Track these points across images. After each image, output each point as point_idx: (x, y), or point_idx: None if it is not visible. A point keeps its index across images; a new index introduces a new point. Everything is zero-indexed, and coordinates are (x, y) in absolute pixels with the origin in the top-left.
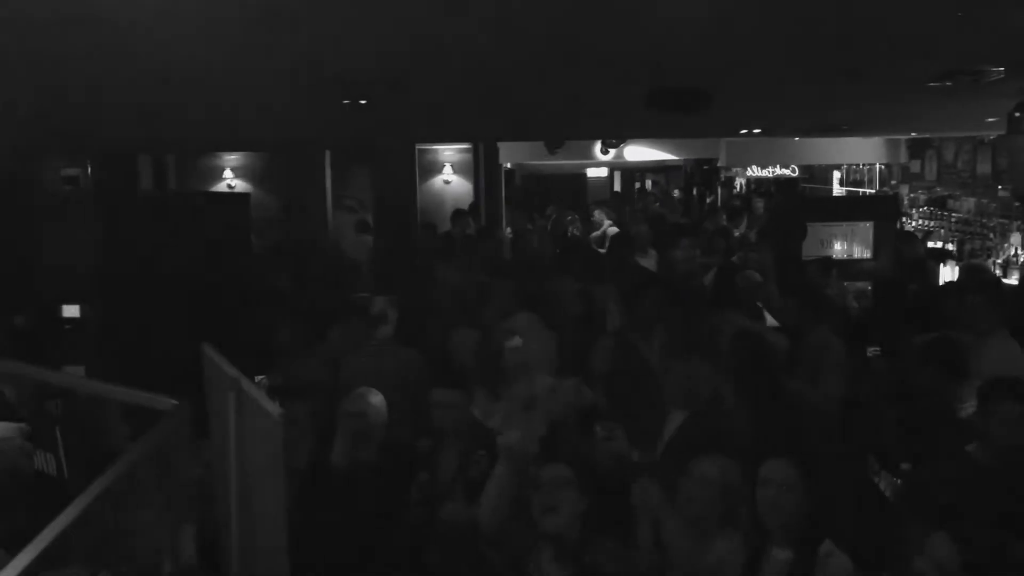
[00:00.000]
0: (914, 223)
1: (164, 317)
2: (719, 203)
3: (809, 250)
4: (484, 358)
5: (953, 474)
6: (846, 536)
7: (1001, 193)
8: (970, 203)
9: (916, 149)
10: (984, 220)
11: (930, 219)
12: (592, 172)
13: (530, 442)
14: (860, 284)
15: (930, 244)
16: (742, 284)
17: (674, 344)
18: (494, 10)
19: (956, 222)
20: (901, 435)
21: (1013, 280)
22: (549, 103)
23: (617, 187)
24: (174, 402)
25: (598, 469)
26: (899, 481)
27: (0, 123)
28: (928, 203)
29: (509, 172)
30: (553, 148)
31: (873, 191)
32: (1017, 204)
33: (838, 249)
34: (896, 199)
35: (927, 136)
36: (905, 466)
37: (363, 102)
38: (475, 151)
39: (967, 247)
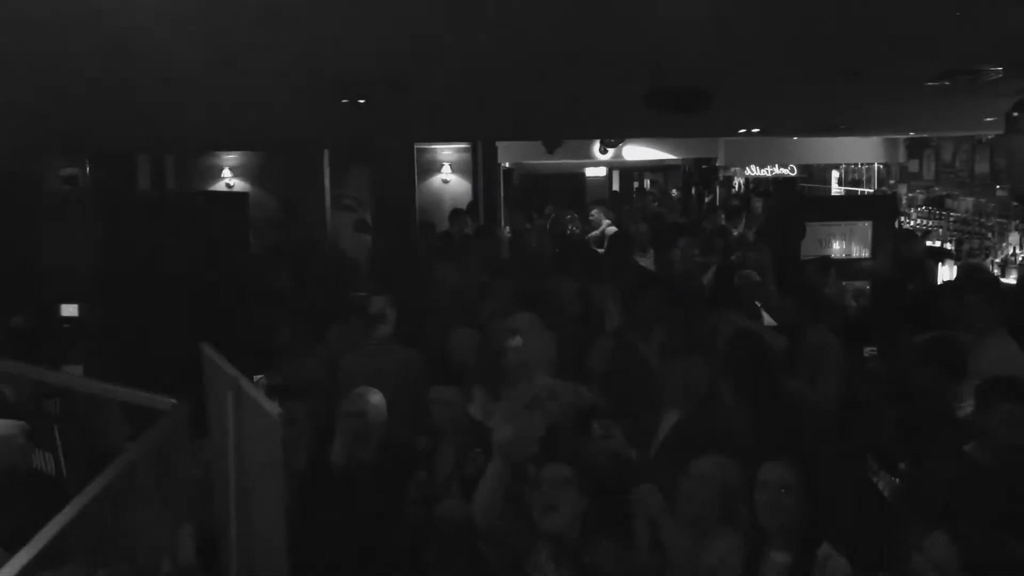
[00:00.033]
0: (912, 222)
1: (163, 316)
2: (717, 202)
3: (807, 249)
4: (485, 357)
5: (951, 474)
6: (845, 537)
7: (999, 192)
8: (968, 203)
9: (914, 149)
10: (982, 220)
11: (928, 219)
12: (591, 172)
13: (529, 442)
14: (858, 283)
15: (928, 243)
16: (740, 283)
17: (669, 343)
18: (493, 10)
19: (954, 222)
20: (900, 435)
21: (1011, 279)
22: (548, 103)
23: (616, 187)
24: (173, 401)
25: (596, 468)
26: (897, 481)
27: None
28: (926, 202)
29: (507, 172)
30: (551, 148)
31: (871, 191)
32: (1015, 203)
33: (836, 248)
34: (894, 198)
35: (925, 136)
36: (903, 466)
37: (362, 101)
38: (474, 151)
39: (965, 246)
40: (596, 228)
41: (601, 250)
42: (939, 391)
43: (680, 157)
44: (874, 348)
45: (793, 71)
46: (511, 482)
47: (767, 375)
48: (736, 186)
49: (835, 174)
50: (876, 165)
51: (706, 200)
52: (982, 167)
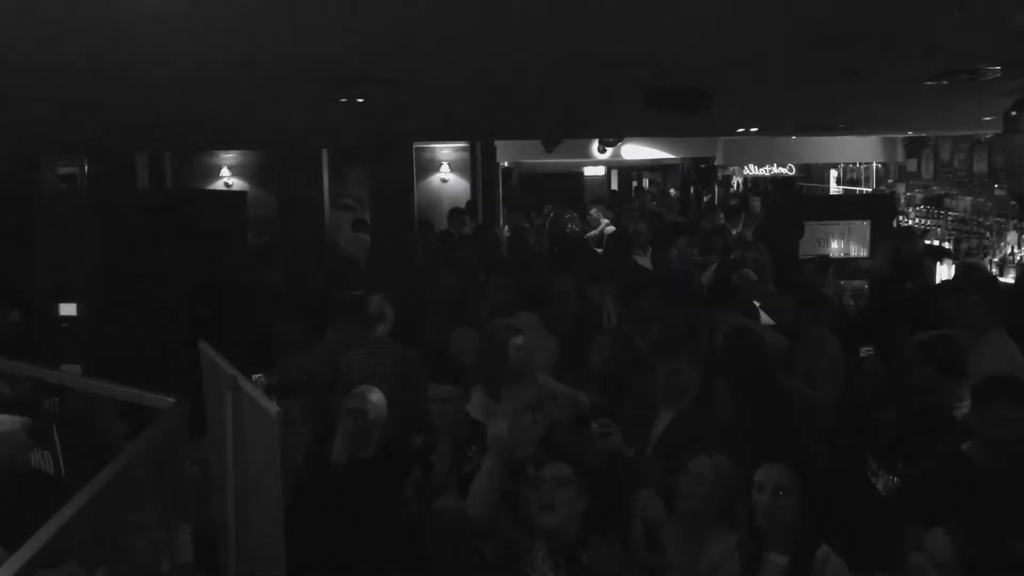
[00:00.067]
0: (911, 222)
1: (161, 315)
2: (716, 202)
3: (806, 248)
4: (487, 356)
5: (948, 473)
6: (843, 539)
7: (997, 192)
8: (966, 202)
9: (913, 148)
10: (980, 219)
11: (926, 218)
12: (589, 171)
13: (525, 440)
14: (857, 283)
15: (927, 243)
16: (738, 283)
17: (663, 342)
18: (492, 9)
19: (952, 221)
20: (898, 435)
21: (1010, 279)
22: (547, 102)
23: (614, 186)
24: (171, 400)
25: (594, 467)
26: (895, 480)
27: None
28: (925, 202)
29: (506, 171)
30: (549, 147)
31: (870, 190)
32: (1013, 203)
33: (835, 248)
34: (893, 198)
35: (924, 135)
36: (901, 465)
37: (360, 100)
38: (472, 150)
39: (963, 246)
40: (595, 227)
41: (600, 250)
42: (938, 391)
43: (679, 156)
44: (871, 348)
45: (792, 71)
46: (507, 479)
47: (764, 374)
48: (735, 185)
49: (833, 173)
50: (874, 164)
51: (705, 199)
52: (980, 166)
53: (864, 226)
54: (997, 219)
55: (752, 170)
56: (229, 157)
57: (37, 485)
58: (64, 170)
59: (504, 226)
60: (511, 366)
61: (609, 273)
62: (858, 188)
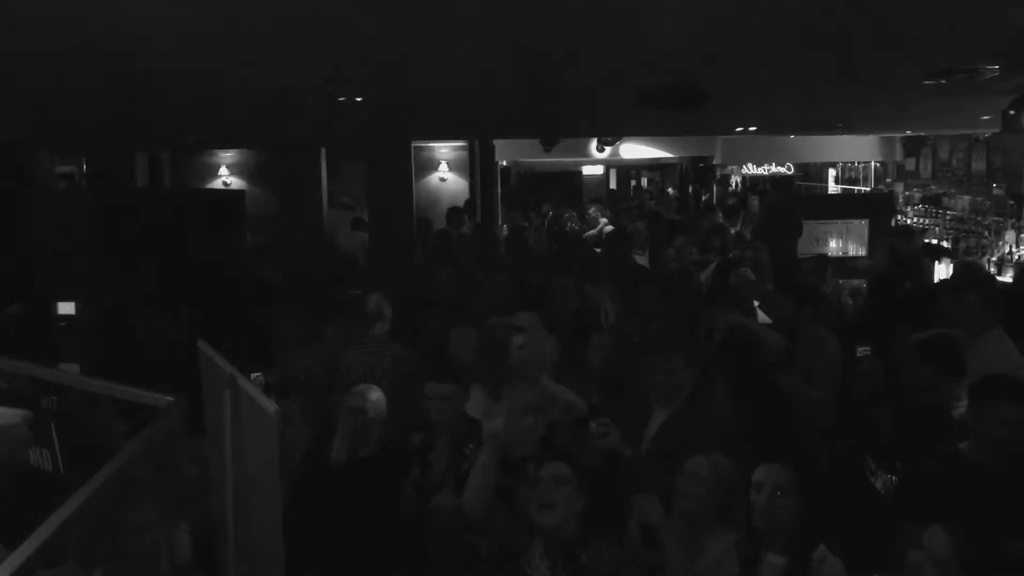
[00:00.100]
0: (909, 221)
1: (160, 314)
2: (714, 201)
3: (804, 247)
4: (488, 354)
5: (945, 472)
6: (840, 539)
7: (996, 191)
8: (965, 201)
9: (911, 147)
10: (979, 218)
11: (925, 217)
12: (588, 170)
13: (522, 438)
14: (855, 282)
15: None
16: (735, 281)
17: (654, 340)
18: (491, 8)
19: (951, 220)
20: (897, 434)
21: (1007, 278)
22: (546, 101)
23: (613, 185)
24: (170, 399)
25: (593, 467)
26: (893, 479)
27: None
28: (923, 201)
29: (505, 170)
30: (548, 146)
31: (868, 189)
32: (1011, 202)
33: (833, 247)
34: (891, 197)
35: (922, 134)
36: (900, 465)
37: (358, 99)
38: (471, 149)
39: (962, 245)
40: (593, 226)
41: (599, 249)
42: (936, 390)
43: (677, 155)
44: (867, 348)
45: (790, 70)
46: (502, 475)
47: (762, 373)
48: (733, 184)
49: (832, 172)
50: (873, 163)
51: (703, 198)
52: (979, 165)
53: (862, 225)
54: (995, 218)
55: (750, 169)
56: (227, 156)
57: (36, 483)
58: (62, 169)
59: (503, 225)
60: (512, 365)
61: (608, 272)
62: (856, 187)
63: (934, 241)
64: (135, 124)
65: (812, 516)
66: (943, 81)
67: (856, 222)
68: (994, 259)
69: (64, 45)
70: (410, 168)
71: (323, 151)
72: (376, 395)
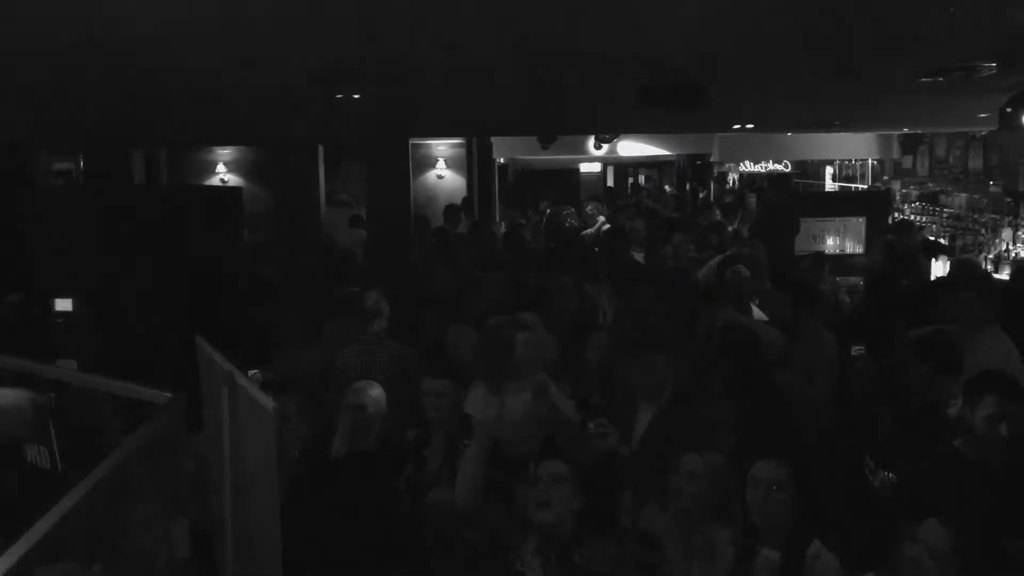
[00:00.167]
0: (906, 218)
1: (157, 311)
2: (712, 198)
3: (802, 245)
4: (492, 351)
5: (940, 469)
6: (836, 535)
7: (992, 189)
8: (961, 199)
9: (908, 145)
10: (975, 216)
11: (922, 214)
12: (585, 167)
13: (530, 441)
14: (852, 279)
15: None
16: (731, 279)
17: (640, 337)
18: (489, 6)
19: (948, 218)
20: (895, 432)
21: (1004, 275)
22: (544, 98)
23: (610, 182)
24: (168, 395)
25: (590, 467)
26: (891, 476)
27: None
28: (920, 199)
29: (502, 167)
30: (545, 144)
31: (865, 187)
32: (1008, 199)
33: (830, 244)
34: (888, 194)
35: (919, 132)
36: (898, 463)
37: (356, 96)
38: (468, 146)
39: (958, 242)
40: (591, 224)
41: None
42: (933, 388)
43: (674, 153)
44: (861, 347)
45: (787, 69)
46: (501, 474)
47: (758, 370)
48: (731, 182)
49: (829, 170)
50: (870, 161)
51: (700, 196)
52: (976, 163)
53: (859, 222)
54: (992, 216)
55: (748, 167)
56: (225, 153)
57: (34, 480)
58: (59, 166)
59: (500, 223)
60: (517, 361)
61: (606, 270)
62: (854, 185)
63: (931, 238)
64: (134, 123)
65: (808, 512)
66: (940, 79)
67: (853, 219)
68: (991, 257)
69: (64, 45)
70: (408, 166)
71: (321, 149)
72: (376, 391)
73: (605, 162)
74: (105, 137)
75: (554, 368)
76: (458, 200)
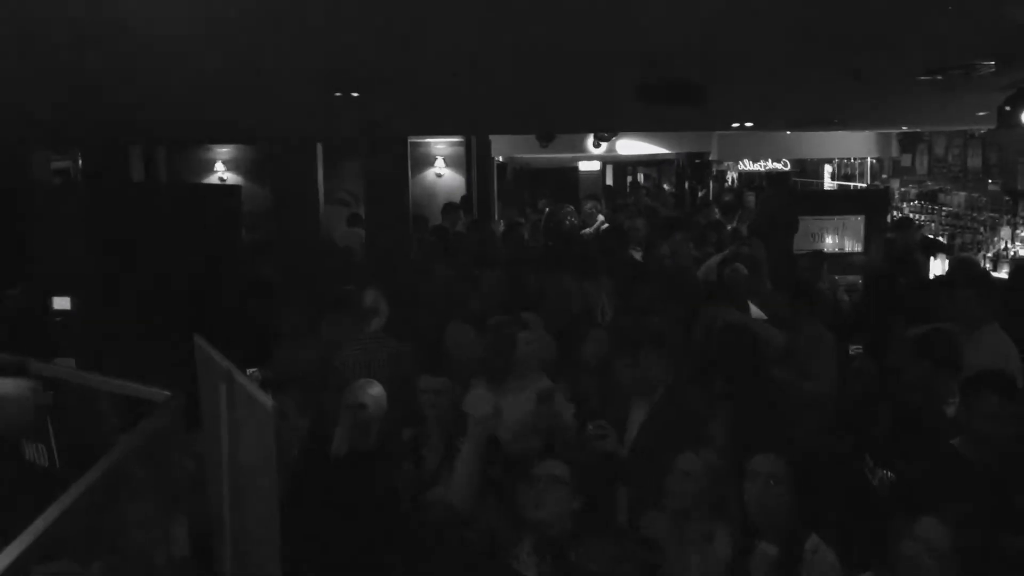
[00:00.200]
0: (905, 216)
1: (156, 309)
2: (711, 197)
3: (800, 243)
4: (495, 349)
5: (938, 468)
6: (834, 530)
7: (991, 187)
8: (960, 197)
9: (907, 143)
10: (974, 214)
11: (920, 213)
12: (584, 165)
13: (530, 441)
14: (851, 278)
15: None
16: (729, 277)
17: (630, 336)
18: (488, 4)
19: (946, 216)
20: (894, 431)
21: (1003, 274)
22: (542, 96)
23: (609, 181)
24: (166, 393)
25: (589, 467)
26: (889, 474)
27: None
28: (919, 197)
29: (501, 165)
30: (544, 142)
31: (864, 185)
32: (1007, 198)
33: (829, 243)
34: (887, 193)
35: (918, 130)
36: (897, 462)
37: (355, 95)
38: (467, 144)
39: (957, 241)
40: (591, 223)
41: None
42: (932, 386)
43: (673, 152)
44: (859, 347)
45: (786, 67)
46: (501, 473)
47: (757, 368)
48: (729, 180)
49: (828, 168)
50: (869, 160)
51: (699, 195)
52: (974, 162)
53: (858, 221)
54: (991, 214)
55: (747, 165)
56: (224, 151)
57: (31, 478)
58: (57, 164)
59: (499, 221)
60: (519, 359)
61: (605, 269)
62: (853, 183)
63: (930, 236)
64: (133, 122)
65: (805, 506)
66: (939, 77)
67: (852, 218)
68: (990, 255)
69: (64, 44)
70: (406, 164)
71: (319, 147)
72: (377, 390)
73: (604, 160)
74: (103, 135)
75: (553, 368)
76: (457, 198)
